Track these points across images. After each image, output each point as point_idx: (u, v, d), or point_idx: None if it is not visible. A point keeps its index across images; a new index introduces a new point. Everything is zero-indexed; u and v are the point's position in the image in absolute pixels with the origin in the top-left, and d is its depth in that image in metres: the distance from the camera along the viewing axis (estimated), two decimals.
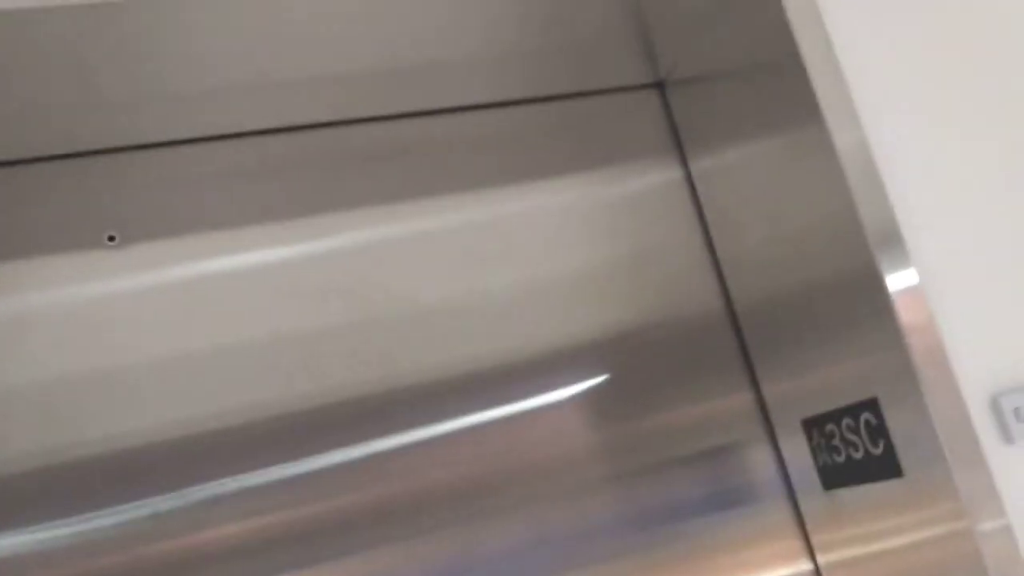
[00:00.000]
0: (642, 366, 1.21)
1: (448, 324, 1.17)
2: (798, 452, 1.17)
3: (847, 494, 1.09)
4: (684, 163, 1.30)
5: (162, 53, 0.92)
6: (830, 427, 1.09)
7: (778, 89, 1.05)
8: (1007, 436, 0.95)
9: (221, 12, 0.87)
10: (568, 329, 1.20)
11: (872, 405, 1.01)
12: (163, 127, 1.08)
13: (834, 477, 1.11)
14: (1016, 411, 0.96)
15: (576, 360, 1.20)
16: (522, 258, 1.21)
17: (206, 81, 1.00)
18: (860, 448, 1.04)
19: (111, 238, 1.06)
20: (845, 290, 1.02)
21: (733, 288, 1.25)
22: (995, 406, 0.96)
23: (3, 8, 0.77)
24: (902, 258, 0.97)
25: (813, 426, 1.13)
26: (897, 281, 0.96)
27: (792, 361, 1.15)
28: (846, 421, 1.06)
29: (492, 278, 1.20)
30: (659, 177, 1.29)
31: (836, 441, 1.09)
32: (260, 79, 1.02)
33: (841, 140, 0.99)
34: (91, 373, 1.03)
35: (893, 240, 0.97)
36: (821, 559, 1.18)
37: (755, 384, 1.23)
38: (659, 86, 1.32)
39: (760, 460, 1.21)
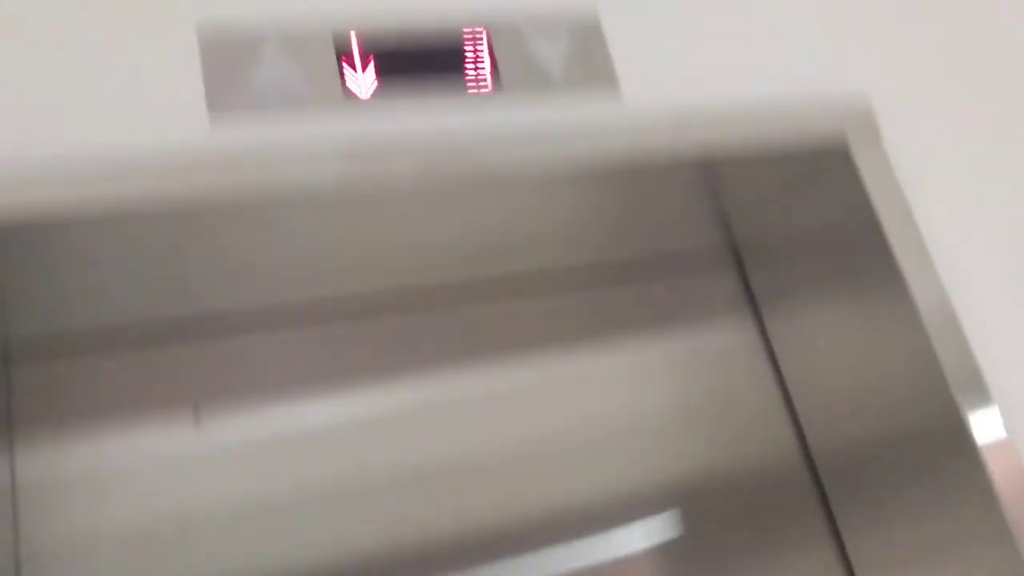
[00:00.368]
0: (718, 518, 1.19)
1: (521, 475, 1.15)
2: None
3: None
4: (759, 319, 1.31)
5: (243, 236, 0.95)
6: None
7: (855, 250, 1.08)
8: None
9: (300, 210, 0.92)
10: (642, 481, 1.19)
11: None
12: (239, 304, 1.10)
13: None
14: None
15: (650, 512, 1.17)
16: (595, 410, 1.21)
17: (283, 256, 1.03)
18: None
19: (195, 410, 1.08)
20: (930, 446, 1.01)
21: (812, 440, 1.24)
22: None
23: (106, 214, 0.82)
24: (988, 408, 0.97)
25: None
26: (984, 432, 0.96)
27: (877, 515, 1.12)
28: None
29: (566, 429, 1.19)
30: (733, 333, 1.30)
31: None
32: (339, 250, 1.05)
33: (920, 294, 1.00)
34: (167, 528, 1.02)
35: (977, 389, 0.97)
36: None
37: (839, 541, 1.20)
38: (734, 251, 1.35)
39: None
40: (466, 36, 0.95)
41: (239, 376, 1.11)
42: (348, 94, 0.90)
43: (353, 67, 0.91)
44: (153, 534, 1.02)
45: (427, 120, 0.92)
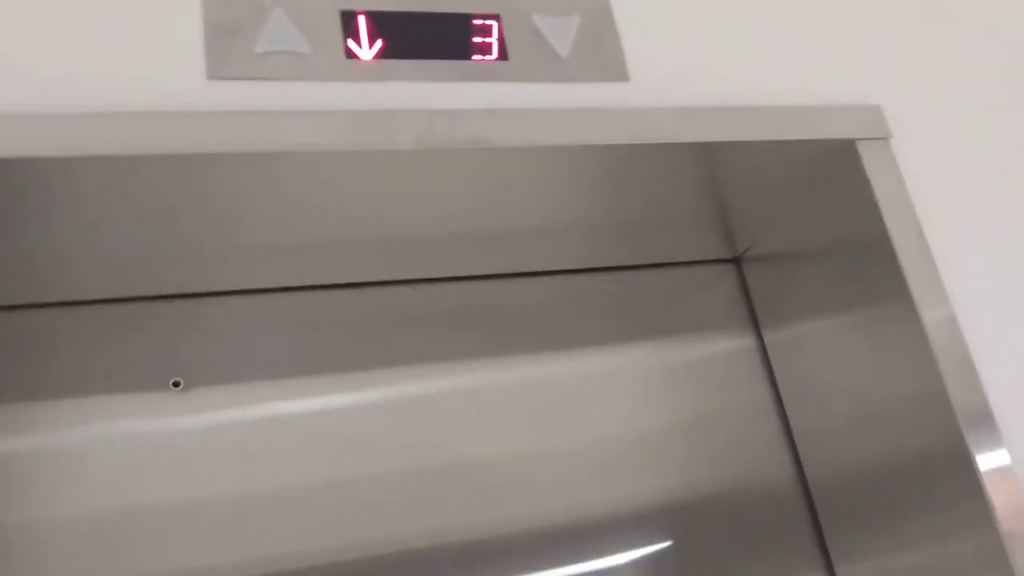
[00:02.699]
0: (707, 537, 1.15)
1: (506, 483, 1.12)
2: None
3: None
4: (758, 334, 1.29)
5: (240, 206, 0.94)
6: None
7: (863, 266, 1.05)
8: None
9: (301, 172, 0.89)
10: (631, 493, 1.15)
11: None
12: (235, 276, 1.09)
13: None
14: None
15: (638, 525, 1.14)
16: (587, 420, 1.18)
17: (282, 236, 1.01)
18: None
19: (176, 383, 1.06)
20: (931, 470, 0.98)
21: (807, 461, 1.20)
22: None
23: (92, 153, 0.79)
24: (994, 439, 0.93)
25: None
26: (988, 462, 0.92)
27: (871, 542, 1.08)
28: None
29: (554, 439, 1.16)
30: (731, 346, 1.28)
31: None
32: (334, 236, 1.04)
33: (929, 317, 0.97)
34: (144, 509, 1.00)
35: (984, 420, 0.94)
36: None
37: (828, 564, 1.16)
38: (736, 261, 1.33)
39: None
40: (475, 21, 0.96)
41: (226, 351, 1.09)
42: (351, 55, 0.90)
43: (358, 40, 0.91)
44: (124, 512, 0.99)
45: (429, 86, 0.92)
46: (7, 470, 0.97)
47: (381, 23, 0.91)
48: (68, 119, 0.79)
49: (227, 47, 0.86)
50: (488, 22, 0.95)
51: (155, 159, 0.81)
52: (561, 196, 1.06)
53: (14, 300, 1.02)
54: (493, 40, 0.94)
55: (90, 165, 0.80)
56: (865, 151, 1.03)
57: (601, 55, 0.98)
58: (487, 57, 0.94)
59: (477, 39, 0.94)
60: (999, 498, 0.91)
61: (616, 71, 0.98)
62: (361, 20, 0.91)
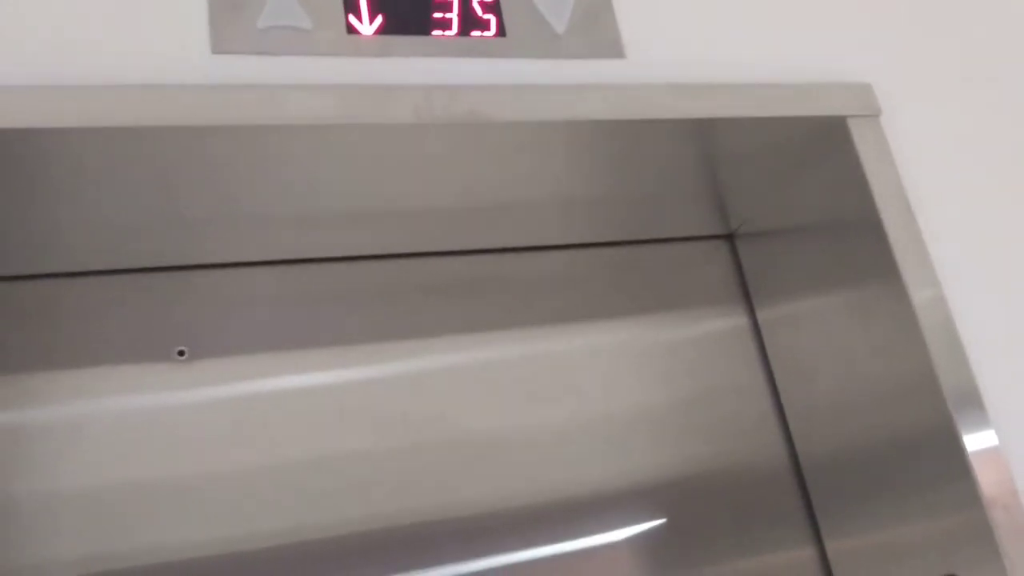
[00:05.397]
0: (700, 512, 1.17)
1: (502, 457, 1.13)
2: None
3: None
4: (751, 311, 1.30)
5: (243, 179, 0.95)
6: None
7: (854, 245, 1.06)
8: None
9: (303, 145, 0.91)
10: (625, 469, 1.17)
11: None
12: (238, 248, 1.10)
13: None
14: None
15: (632, 501, 1.15)
16: (581, 395, 1.19)
17: (284, 208, 1.03)
18: None
19: (180, 352, 1.07)
20: (919, 449, 0.99)
21: (798, 438, 1.22)
22: None
23: (98, 125, 0.81)
24: (981, 419, 0.95)
25: None
26: (976, 442, 0.94)
27: (860, 518, 1.10)
28: None
29: (550, 414, 1.17)
30: (725, 323, 1.29)
31: None
32: (335, 209, 1.05)
33: (919, 297, 0.99)
34: (146, 483, 1.01)
35: (972, 400, 0.95)
36: None
37: (818, 539, 1.17)
38: (729, 238, 1.34)
39: None
40: None
41: (228, 323, 1.10)
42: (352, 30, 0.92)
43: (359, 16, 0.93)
44: (127, 483, 1.00)
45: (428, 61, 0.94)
46: (11, 441, 0.99)
47: None
48: (74, 91, 0.81)
49: (231, 22, 0.88)
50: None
51: (159, 131, 0.83)
52: (556, 171, 1.07)
53: (18, 271, 1.04)
54: (491, 16, 0.96)
55: (95, 137, 0.82)
56: (855, 128, 1.04)
57: (597, 32, 1.00)
58: (485, 33, 0.95)
59: (476, 15, 0.95)
60: (986, 477, 0.92)
61: (612, 48, 1.00)
62: None
